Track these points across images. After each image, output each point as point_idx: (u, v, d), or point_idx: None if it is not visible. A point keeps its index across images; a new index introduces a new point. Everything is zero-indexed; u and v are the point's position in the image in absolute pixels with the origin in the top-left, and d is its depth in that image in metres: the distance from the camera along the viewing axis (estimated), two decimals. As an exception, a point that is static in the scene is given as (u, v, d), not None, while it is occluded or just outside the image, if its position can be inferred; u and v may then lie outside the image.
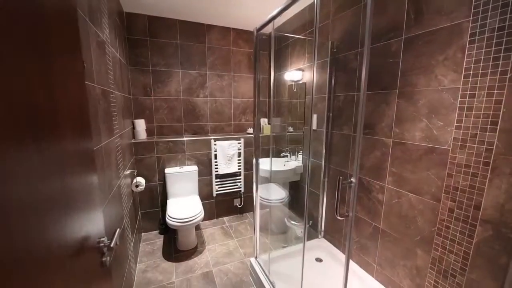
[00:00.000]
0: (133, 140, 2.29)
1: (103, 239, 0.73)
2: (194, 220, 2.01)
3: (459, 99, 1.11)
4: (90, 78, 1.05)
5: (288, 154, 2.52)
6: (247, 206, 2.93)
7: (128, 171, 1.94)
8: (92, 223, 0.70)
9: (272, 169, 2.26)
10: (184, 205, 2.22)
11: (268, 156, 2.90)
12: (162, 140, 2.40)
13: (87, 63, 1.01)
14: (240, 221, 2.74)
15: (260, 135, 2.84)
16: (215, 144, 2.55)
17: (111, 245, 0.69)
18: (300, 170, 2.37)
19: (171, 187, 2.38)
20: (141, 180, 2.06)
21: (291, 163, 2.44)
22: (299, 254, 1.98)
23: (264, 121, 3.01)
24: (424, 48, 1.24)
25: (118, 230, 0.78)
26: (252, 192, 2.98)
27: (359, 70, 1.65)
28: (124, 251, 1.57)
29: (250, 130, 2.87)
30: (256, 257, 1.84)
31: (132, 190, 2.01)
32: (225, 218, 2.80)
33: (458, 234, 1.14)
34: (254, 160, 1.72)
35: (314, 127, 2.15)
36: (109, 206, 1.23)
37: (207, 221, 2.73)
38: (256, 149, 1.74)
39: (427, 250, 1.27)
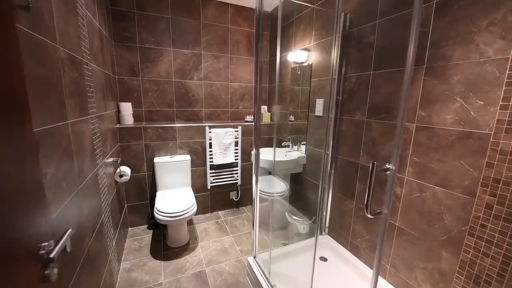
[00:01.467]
0: (118, 125, 2.05)
1: (46, 244, 0.51)
2: (186, 214, 1.80)
3: (507, 72, 0.91)
4: (47, 34, 0.81)
5: (290, 144, 2.31)
6: (244, 200, 2.73)
7: (111, 159, 1.71)
8: (31, 224, 0.49)
9: (273, 160, 2.06)
10: (175, 198, 2.01)
11: (267, 146, 2.69)
12: (151, 126, 2.16)
13: (38, 10, 0.77)
14: (236, 216, 2.54)
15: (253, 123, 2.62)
16: (210, 132, 2.33)
17: (51, 255, 0.48)
18: (303, 161, 2.17)
19: (160, 178, 2.16)
20: (125, 169, 1.83)
21: (293, 153, 2.24)
22: (301, 252, 1.80)
23: (263, 108, 2.79)
24: (461, 12, 1.03)
25: (69, 231, 0.56)
26: (250, 185, 2.80)
27: (376, 46, 1.43)
28: (103, 250, 1.35)
29: (249, 118, 2.65)
30: (254, 256, 1.65)
31: (115, 180, 1.79)
32: (220, 212, 2.60)
33: (497, 235, 0.96)
34: (254, 150, 1.51)
35: (320, 113, 1.94)
36: (77, 199, 1.01)
37: (201, 215, 2.53)
38: (257, 138, 1.52)
39: (455, 252, 1.10)
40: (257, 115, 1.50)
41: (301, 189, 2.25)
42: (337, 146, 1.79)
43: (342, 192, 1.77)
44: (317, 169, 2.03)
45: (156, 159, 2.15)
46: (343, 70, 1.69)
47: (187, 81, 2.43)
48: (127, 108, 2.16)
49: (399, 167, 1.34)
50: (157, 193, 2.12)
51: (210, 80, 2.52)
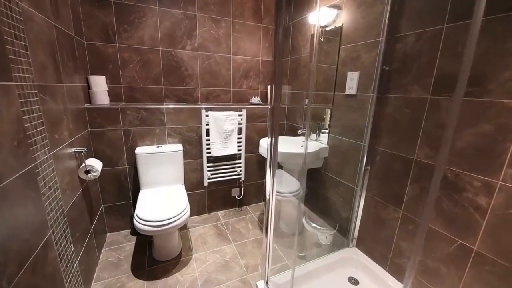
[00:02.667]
0: (87, 105, 1.57)
1: None
2: (175, 222, 1.37)
3: None
4: None
5: (307, 132, 1.85)
6: (248, 198, 2.31)
7: (71, 150, 1.25)
8: None
9: (285, 151, 1.61)
10: (162, 199, 1.57)
11: (281, 134, 2.23)
12: (132, 107, 1.68)
13: None
14: (239, 217, 2.13)
15: (266, 106, 2.15)
16: (207, 116, 1.85)
17: None
18: (325, 154, 1.72)
19: (144, 173, 1.71)
20: (94, 163, 1.38)
21: (312, 144, 1.79)
22: (326, 271, 1.39)
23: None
24: None
25: None
26: (255, 181, 2.36)
27: (458, -17, 0.95)
28: (51, 279, 0.93)
29: (255, 100, 2.17)
30: (266, 282, 1.24)
31: (80, 177, 1.34)
32: (219, 213, 2.18)
33: None
34: (269, 140, 1.05)
35: (352, 91, 1.47)
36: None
37: (196, 217, 2.11)
38: (274, 124, 1.07)
39: None
40: (276, 93, 1.04)
41: (320, 188, 1.82)
42: (376, 134, 1.34)
43: (382, 195, 1.34)
44: (344, 164, 1.59)
45: (138, 149, 1.69)
46: (391, 28, 1.20)
47: (178, 51, 1.92)
48: (99, 83, 1.67)
49: (487, 167, 0.89)
50: (140, 193, 1.68)
51: (208, 50, 2.02)
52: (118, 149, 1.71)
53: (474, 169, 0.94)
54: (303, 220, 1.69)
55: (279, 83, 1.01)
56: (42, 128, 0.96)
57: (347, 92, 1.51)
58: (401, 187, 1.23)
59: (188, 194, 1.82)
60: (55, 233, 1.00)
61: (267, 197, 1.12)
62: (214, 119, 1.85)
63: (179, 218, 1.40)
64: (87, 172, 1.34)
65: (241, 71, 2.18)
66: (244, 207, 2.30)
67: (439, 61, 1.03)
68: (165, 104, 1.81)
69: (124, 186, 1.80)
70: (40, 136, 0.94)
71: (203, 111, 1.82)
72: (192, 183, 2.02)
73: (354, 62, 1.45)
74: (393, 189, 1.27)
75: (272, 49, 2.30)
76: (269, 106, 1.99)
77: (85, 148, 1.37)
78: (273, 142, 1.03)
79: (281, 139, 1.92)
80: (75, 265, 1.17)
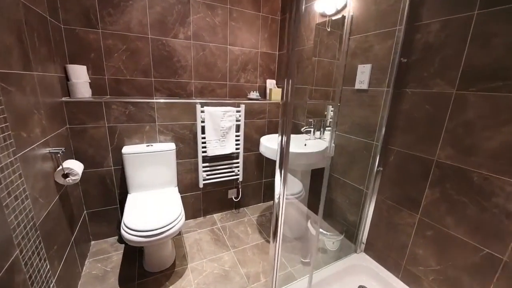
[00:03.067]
0: (64, 98, 1.38)
1: None
2: (169, 231, 1.23)
3: None
4: None
5: (311, 130, 1.73)
6: (246, 199, 2.18)
7: (45, 150, 1.06)
8: None
9: (269, 147, 1.48)
10: (152, 205, 1.41)
11: (275, 132, 2.10)
12: (118, 100, 1.50)
13: None
14: (236, 220, 2.00)
15: (266, 101, 2.02)
16: (202, 112, 1.70)
17: None
18: (332, 153, 1.61)
19: (132, 175, 1.54)
20: (74, 165, 1.20)
21: (316, 143, 1.67)
22: (336, 279, 1.29)
23: (271, 83, 2.17)
24: None
25: None
26: (253, 181, 2.20)
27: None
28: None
29: (253, 95, 2.03)
30: (273, 297, 1.12)
31: (56, 182, 1.16)
32: (216, 216, 2.04)
33: None
34: (280, 138, 0.92)
35: (363, 85, 1.36)
36: None
37: (191, 221, 1.96)
38: (287, 119, 0.93)
39: None
40: (290, 87, 0.90)
41: (328, 190, 1.71)
42: (390, 133, 1.24)
43: (396, 199, 1.24)
44: (352, 164, 1.49)
45: (125, 149, 1.51)
46: (410, 16, 1.09)
47: (170, 39, 1.74)
48: (79, 74, 1.47)
49: (529, 170, 0.80)
50: (128, 197, 1.51)
51: (203, 40, 1.84)
52: (102, 149, 1.53)
53: (507, 172, 0.85)
54: (308, 224, 1.59)
55: (293, 74, 0.88)
56: (4, 125, 0.78)
57: (357, 86, 1.39)
58: (418, 191, 1.13)
59: (181, 197, 1.67)
60: (24, 251, 0.83)
61: (276, 200, 0.99)
62: (210, 115, 1.70)
63: (173, 226, 1.25)
64: (65, 175, 1.16)
65: (238, 64, 2.02)
66: (241, 209, 2.17)
67: (467, 52, 0.92)
68: (156, 99, 1.63)
69: (110, 190, 1.62)
70: (1, 135, 0.76)
71: (198, 106, 1.66)
72: (186, 185, 1.86)
73: (366, 54, 1.33)
74: (409, 192, 1.18)
75: (272, 41, 2.16)
76: (268, 102, 1.84)
77: (63, 148, 1.19)
78: (285, 141, 0.89)
79: (276, 136, 1.79)
80: (51, 285, 1.00)
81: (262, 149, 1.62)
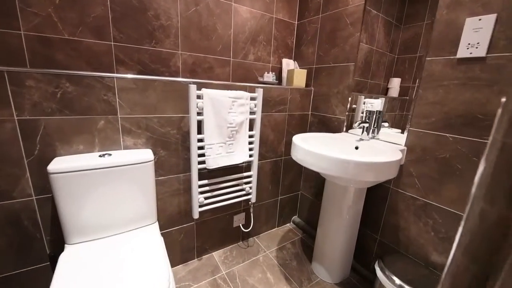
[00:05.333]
0: None
1: None
2: None
3: None
4: None
5: (365, 126, 1.17)
6: (257, 225, 1.55)
7: None
8: None
9: (332, 156, 0.89)
10: (110, 272, 0.73)
11: (300, 131, 1.53)
12: (41, 72, 0.79)
13: None
14: (248, 260, 1.36)
15: (288, 87, 1.42)
16: (199, 97, 1.04)
17: None
18: (402, 160, 1.05)
19: (71, 212, 0.83)
20: None
21: (372, 145, 1.11)
22: None
23: (288, 62, 1.57)
24: None
25: None
26: (268, 199, 1.50)
27: None
28: None
29: (269, 77, 1.41)
30: None
31: None
32: (216, 255, 1.38)
33: None
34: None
35: (478, 51, 0.82)
36: None
37: (180, 267, 1.28)
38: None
39: None
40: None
41: (389, 215, 1.15)
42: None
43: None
44: (446, 178, 0.94)
45: (56, 163, 0.80)
46: None
47: (142, -21, 1.06)
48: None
49: None
50: (63, 255, 0.80)
51: (195, -12, 1.19)
52: (8, 164, 0.80)
53: None
54: (376, 265, 1.01)
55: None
56: None
57: (461, 54, 0.86)
58: None
59: (165, 234, 1.00)
60: None
61: None
62: (213, 103, 1.05)
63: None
64: None
65: (246, 32, 1.40)
66: (251, 239, 1.54)
67: None
68: (118, 74, 0.94)
69: (31, 237, 0.89)
70: None
71: (192, 87, 1.00)
72: (172, 215, 1.18)
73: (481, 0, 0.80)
74: None
75: (291, 4, 1.53)
76: (290, 88, 1.24)
77: None
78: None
79: (313, 136, 1.21)
80: None
81: (301, 156, 1.01)
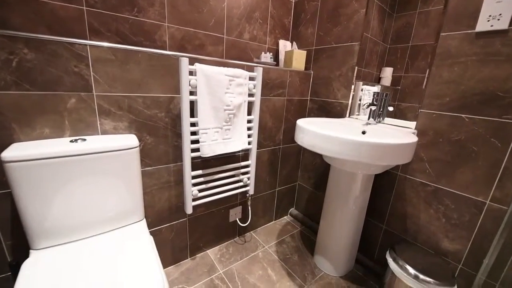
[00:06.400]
0: None
1: None
2: None
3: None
4: None
5: (372, 109, 1.09)
6: (254, 219, 1.45)
7: None
8: None
9: (346, 138, 0.81)
10: (88, 279, 0.59)
11: (296, 117, 1.44)
12: (-14, 34, 0.62)
13: None
14: (246, 256, 1.26)
15: (287, 68, 1.31)
16: (192, 73, 0.90)
17: None
18: (410, 148, 0.99)
19: (35, 209, 0.67)
20: None
21: (379, 129, 1.04)
22: None
23: (285, 44, 1.46)
24: None
25: None
26: (267, 191, 1.41)
27: None
28: None
29: (266, 57, 1.29)
30: None
31: None
32: (211, 253, 1.26)
33: None
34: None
35: (500, 23, 0.76)
36: None
37: (171, 268, 1.15)
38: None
39: None
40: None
41: (396, 202, 1.09)
42: None
43: None
44: (461, 162, 0.89)
45: (13, 150, 0.64)
46: None
47: None
48: None
49: None
50: (27, 262, 0.64)
51: (183, -50, 1.03)
52: None
53: None
54: (387, 255, 0.95)
55: None
56: None
57: (481, 27, 0.79)
58: None
59: (153, 232, 0.87)
60: None
61: None
62: (208, 80, 0.91)
63: None
64: None
65: (241, 7, 1.26)
66: (248, 234, 1.43)
67: None
68: (92, 41, 0.77)
69: (-17, 242, 0.72)
70: None
71: (184, 61, 0.86)
72: (162, 212, 1.04)
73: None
74: None
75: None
76: (289, 70, 1.14)
77: None
78: None
79: (315, 121, 1.11)
80: None
81: (308, 140, 0.91)
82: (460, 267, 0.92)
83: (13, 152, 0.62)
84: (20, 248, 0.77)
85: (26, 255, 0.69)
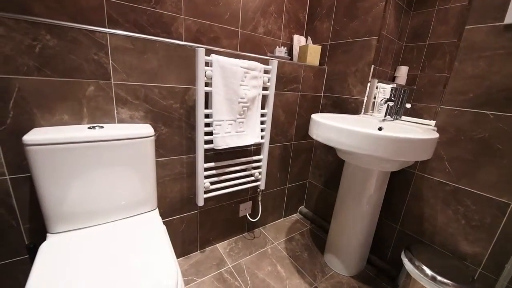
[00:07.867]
0: None
1: None
2: None
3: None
4: None
5: (390, 105, 1.06)
6: (263, 216, 1.44)
7: None
8: None
9: (365, 132, 0.79)
10: (104, 266, 0.60)
11: (309, 112, 1.42)
12: (14, 18, 0.63)
13: None
14: (255, 252, 1.25)
15: (302, 63, 1.29)
16: (208, 64, 0.90)
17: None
18: (431, 144, 0.96)
19: (54, 193, 0.69)
20: None
21: (396, 126, 1.01)
22: None
23: (299, 39, 1.44)
24: None
25: None
26: (278, 187, 1.39)
27: None
28: None
29: (281, 51, 1.28)
30: None
31: None
32: (220, 247, 1.26)
33: None
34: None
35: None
36: None
37: (181, 260, 1.15)
38: None
39: None
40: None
41: (418, 207, 1.06)
42: None
43: None
44: (484, 161, 0.85)
45: (34, 134, 0.65)
46: None
47: None
48: None
49: None
50: (44, 245, 0.65)
51: None
52: (-29, 133, 0.64)
53: None
54: (402, 255, 0.92)
55: None
56: None
57: (510, 20, 0.76)
58: None
59: (164, 223, 0.88)
60: None
61: None
62: (224, 71, 0.91)
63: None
64: None
65: (256, 1, 1.25)
66: (257, 230, 1.43)
67: None
68: (111, 30, 0.78)
69: (5, 225, 0.74)
70: None
71: (200, 51, 0.85)
72: (173, 203, 1.05)
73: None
74: None
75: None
76: (304, 64, 1.12)
77: None
78: None
79: (330, 116, 1.09)
80: None
81: (324, 133, 0.89)
82: (479, 270, 0.89)
83: (34, 136, 0.63)
84: (37, 231, 0.79)
85: (43, 239, 0.71)
